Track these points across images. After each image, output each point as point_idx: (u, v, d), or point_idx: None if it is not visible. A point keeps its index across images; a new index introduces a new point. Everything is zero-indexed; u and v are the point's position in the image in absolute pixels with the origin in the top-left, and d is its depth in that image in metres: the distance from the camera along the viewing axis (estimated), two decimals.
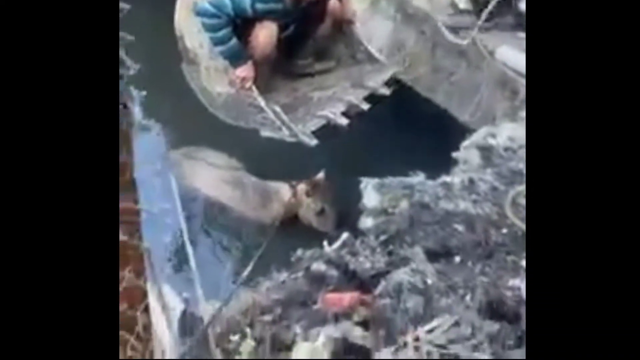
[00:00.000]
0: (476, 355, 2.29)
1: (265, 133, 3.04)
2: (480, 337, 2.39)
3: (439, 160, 4.05)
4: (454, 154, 3.96)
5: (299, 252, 2.91)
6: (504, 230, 3.16)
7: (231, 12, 2.69)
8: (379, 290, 2.64)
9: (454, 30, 4.92)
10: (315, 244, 2.98)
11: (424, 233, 3.07)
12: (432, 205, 3.26)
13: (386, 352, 2.30)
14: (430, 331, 2.39)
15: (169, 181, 2.82)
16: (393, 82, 3.18)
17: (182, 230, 2.30)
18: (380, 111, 5.19)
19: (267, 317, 2.65)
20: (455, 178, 3.47)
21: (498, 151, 3.68)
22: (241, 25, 2.69)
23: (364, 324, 2.47)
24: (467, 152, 3.79)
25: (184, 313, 2.30)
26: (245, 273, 2.52)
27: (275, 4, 2.80)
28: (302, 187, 3.88)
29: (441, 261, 2.95)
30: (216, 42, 2.79)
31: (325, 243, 2.90)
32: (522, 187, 3.38)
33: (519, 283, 2.88)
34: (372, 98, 3.07)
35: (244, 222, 3.88)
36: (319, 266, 2.74)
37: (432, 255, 2.95)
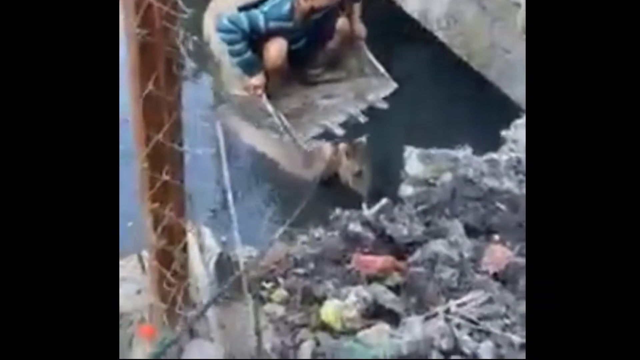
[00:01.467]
0: (507, 334, 2.17)
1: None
2: (513, 318, 2.26)
3: (487, 137, 3.87)
4: (503, 132, 3.77)
5: (337, 211, 2.81)
6: None
7: (247, 28, 2.88)
8: (413, 257, 2.53)
9: (516, 6, 4.64)
10: (354, 206, 2.87)
11: (464, 207, 2.91)
12: (476, 180, 3.09)
13: (415, 320, 2.19)
14: (462, 304, 2.27)
15: (215, 128, 2.75)
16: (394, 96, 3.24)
17: (224, 175, 2.22)
18: (433, 84, 5.02)
19: (300, 270, 2.57)
20: (503, 156, 3.29)
21: None
22: (256, 39, 2.89)
23: (396, 290, 2.38)
24: (516, 132, 3.59)
25: (220, 255, 2.25)
26: (284, 227, 2.42)
27: (287, 22, 2.95)
28: (343, 146, 3.77)
29: (480, 238, 2.81)
30: (233, 54, 2.99)
31: (364, 206, 2.79)
32: None
33: None
34: (370, 111, 3.10)
35: (287, 177, 3.80)
36: (355, 227, 2.63)
37: (471, 231, 2.81)
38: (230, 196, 2.33)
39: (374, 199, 2.96)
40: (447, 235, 2.65)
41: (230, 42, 2.99)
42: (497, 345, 2.14)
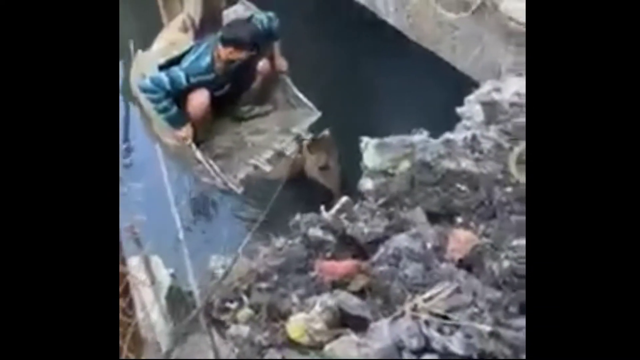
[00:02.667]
0: (476, 323, 2.03)
1: (204, 179, 3.15)
2: (481, 304, 2.13)
3: (444, 116, 3.72)
4: (459, 109, 3.62)
5: (297, 216, 2.65)
6: (508, 189, 2.85)
7: (169, 87, 2.88)
8: (377, 256, 2.38)
9: None
10: (314, 209, 2.71)
11: (424, 194, 2.77)
12: (433, 164, 2.94)
13: (383, 323, 2.05)
14: (428, 299, 2.13)
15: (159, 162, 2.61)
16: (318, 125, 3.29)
17: (171, 205, 2.06)
18: (385, 66, 4.86)
19: (264, 284, 2.41)
20: (459, 135, 3.14)
21: (503, 107, 3.32)
22: (179, 94, 2.93)
23: (361, 293, 2.23)
24: (470, 107, 3.44)
25: (170, 289, 2.08)
26: (241, 247, 2.26)
27: (207, 75, 2.93)
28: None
29: (442, 222, 2.67)
30: (159, 112, 2.99)
31: (322, 208, 2.63)
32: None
33: (523, 243, 2.60)
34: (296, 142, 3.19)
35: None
36: (315, 231, 2.47)
37: (434, 217, 2.67)
38: (179, 225, 2.16)
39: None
40: (409, 227, 2.50)
41: (154, 101, 2.98)
42: (467, 336, 2.01)
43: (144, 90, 3.04)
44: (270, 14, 3.21)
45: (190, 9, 3.02)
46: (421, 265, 2.26)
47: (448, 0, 4.49)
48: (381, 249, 2.40)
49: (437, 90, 4.29)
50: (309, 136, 3.33)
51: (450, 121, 3.58)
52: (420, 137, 3.17)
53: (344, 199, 2.69)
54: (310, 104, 3.35)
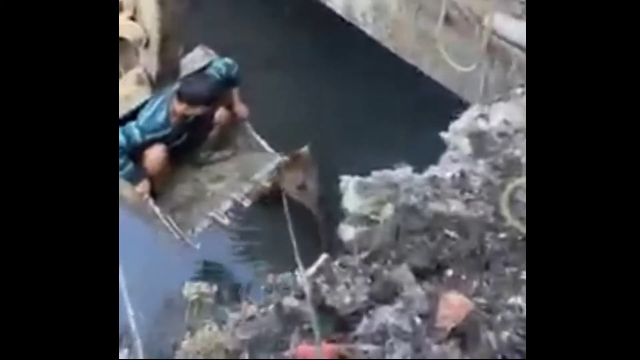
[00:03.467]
0: None
1: (162, 234, 2.96)
2: None
3: (426, 140, 3.42)
4: (444, 135, 3.31)
5: (270, 278, 2.32)
6: (502, 235, 2.55)
7: (124, 144, 2.77)
8: (361, 329, 2.07)
9: None
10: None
11: (411, 246, 2.46)
12: (420, 207, 2.63)
13: None
14: None
15: None
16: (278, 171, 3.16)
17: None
18: (364, 84, 4.55)
19: None
20: (446, 172, 2.83)
21: (491, 137, 3.01)
22: (136, 150, 2.82)
23: None
24: (456, 138, 3.13)
25: None
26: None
27: (164, 130, 2.79)
28: (283, 159, 3.31)
29: (432, 279, 2.37)
30: None
31: (297, 272, 2.29)
32: (520, 180, 2.75)
33: (520, 302, 2.32)
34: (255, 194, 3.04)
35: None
36: (291, 302, 2.15)
37: (421, 273, 2.36)
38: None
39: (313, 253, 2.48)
40: (395, 292, 2.19)
41: None
42: None
43: None
44: (229, 60, 3.05)
45: (146, 62, 2.81)
46: (409, 345, 1.95)
47: (430, 11, 4.17)
48: (365, 321, 2.09)
49: (421, 109, 4.00)
50: (264, 183, 3.13)
51: (436, 146, 3.28)
52: (403, 174, 2.85)
53: (323, 257, 2.36)
54: (271, 150, 3.18)
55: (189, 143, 3.04)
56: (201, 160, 3.20)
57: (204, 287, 2.99)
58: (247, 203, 3.03)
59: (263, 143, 3.17)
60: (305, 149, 3.53)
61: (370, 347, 1.97)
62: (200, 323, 2.39)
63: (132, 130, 2.80)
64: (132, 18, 2.77)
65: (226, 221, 2.95)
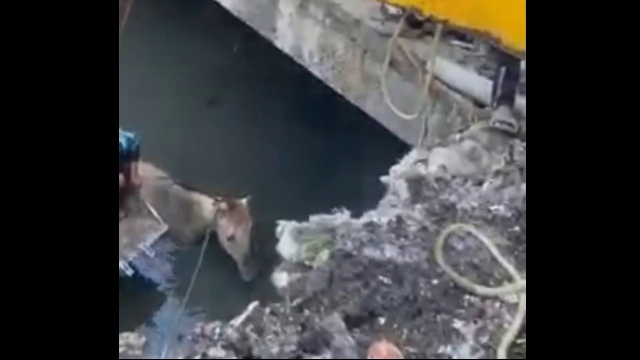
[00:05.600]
0: None
1: None
2: None
3: (367, 183, 3.51)
4: (384, 179, 3.40)
5: (198, 328, 2.29)
6: (434, 282, 2.62)
7: None
8: None
9: (386, 37, 4.29)
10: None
11: (344, 292, 2.49)
12: (355, 253, 2.68)
13: None
14: None
15: None
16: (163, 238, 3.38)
17: None
18: (312, 118, 4.63)
19: None
20: (383, 218, 2.90)
21: (428, 182, 3.12)
22: None
23: None
24: (395, 182, 3.23)
25: None
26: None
27: None
28: (222, 205, 3.35)
29: (363, 327, 2.40)
30: None
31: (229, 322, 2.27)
32: (455, 226, 2.84)
33: (450, 351, 2.38)
34: (140, 261, 3.26)
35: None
36: (217, 352, 2.13)
37: (353, 321, 2.39)
38: None
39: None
40: (325, 340, 2.21)
41: None
42: None
43: None
44: (131, 135, 3.32)
45: None
46: None
47: (375, 53, 4.33)
48: None
49: (365, 151, 4.10)
50: (148, 252, 3.44)
51: (377, 190, 3.37)
52: (341, 219, 2.90)
53: (253, 305, 2.36)
54: (159, 218, 3.42)
55: None
56: None
57: (132, 338, 2.91)
58: (129, 272, 3.13)
59: (152, 210, 3.41)
60: (243, 201, 3.58)
61: None
62: None
63: None
64: None
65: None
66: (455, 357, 2.31)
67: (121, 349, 2.85)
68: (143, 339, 2.95)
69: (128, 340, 2.89)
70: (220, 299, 3.23)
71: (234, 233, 3.41)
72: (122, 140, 3.33)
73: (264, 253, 3.35)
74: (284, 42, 4.86)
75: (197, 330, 2.27)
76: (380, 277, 2.60)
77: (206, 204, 3.57)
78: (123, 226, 3.42)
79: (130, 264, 3.22)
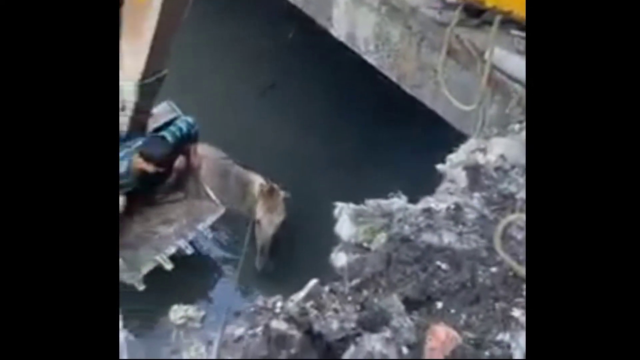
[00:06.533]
0: None
1: None
2: None
3: (422, 170, 3.49)
4: (440, 167, 3.38)
5: (260, 300, 2.35)
6: (493, 270, 2.60)
7: None
8: (346, 356, 2.10)
9: (443, 25, 4.24)
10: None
11: (402, 275, 2.50)
12: (413, 237, 2.68)
13: None
14: None
15: None
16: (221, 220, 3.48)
17: None
18: (365, 106, 4.63)
19: None
20: (440, 204, 2.88)
21: (487, 171, 3.08)
22: None
23: None
24: (453, 170, 3.20)
25: None
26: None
27: (125, 179, 3.06)
28: (265, 187, 3.41)
29: (421, 310, 2.40)
30: None
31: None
32: (514, 216, 2.81)
33: (509, 339, 2.35)
34: (198, 240, 3.37)
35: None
36: (279, 325, 2.18)
37: (411, 304, 2.40)
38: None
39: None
40: (384, 321, 2.22)
41: None
42: None
43: None
44: (190, 119, 3.39)
45: (120, 121, 3.15)
46: None
47: (432, 42, 4.28)
48: (352, 348, 2.11)
49: (420, 139, 4.07)
50: (207, 233, 3.54)
51: (432, 179, 3.35)
52: (398, 204, 2.91)
53: (313, 282, 2.40)
54: (217, 200, 3.49)
55: (147, 189, 3.41)
56: (155, 201, 3.53)
57: (191, 310, 3.03)
58: (189, 251, 3.17)
59: (210, 193, 3.49)
60: (282, 192, 3.61)
61: None
62: (186, 345, 2.41)
63: None
64: None
65: (169, 266, 3.14)
66: (513, 345, 2.29)
67: (181, 321, 2.97)
68: (202, 313, 3.07)
69: (187, 312, 3.01)
70: (270, 277, 3.30)
71: (260, 219, 3.45)
72: (182, 125, 3.45)
73: (280, 252, 3.40)
74: (339, 29, 4.86)
75: (259, 302, 2.32)
76: (438, 263, 2.60)
77: (256, 183, 3.63)
78: (182, 207, 3.57)
79: (191, 243, 3.33)
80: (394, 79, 4.55)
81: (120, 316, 2.32)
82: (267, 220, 3.46)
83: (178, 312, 3.05)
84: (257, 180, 3.64)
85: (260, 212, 3.49)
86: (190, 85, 4.40)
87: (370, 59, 4.68)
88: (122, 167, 3.14)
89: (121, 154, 3.16)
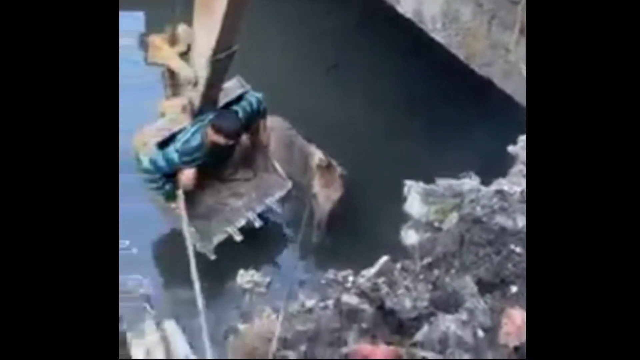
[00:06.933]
0: None
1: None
2: None
3: (494, 151, 3.38)
4: (511, 149, 3.27)
5: (331, 273, 2.35)
6: None
7: (165, 167, 3.22)
8: (420, 335, 2.07)
9: (515, 3, 4.07)
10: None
11: (475, 257, 2.44)
12: (485, 219, 2.60)
13: None
14: None
15: None
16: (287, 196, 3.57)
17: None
18: (432, 84, 4.51)
19: (291, 354, 2.13)
20: (514, 187, 2.79)
21: None
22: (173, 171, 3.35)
23: None
24: (525, 152, 3.08)
25: None
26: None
27: (197, 152, 3.23)
28: (323, 161, 3.42)
29: (495, 294, 2.34)
30: (152, 189, 3.39)
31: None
32: None
33: None
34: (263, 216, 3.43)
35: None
36: (350, 299, 2.17)
37: (485, 286, 2.34)
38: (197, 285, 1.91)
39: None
40: (457, 302, 2.18)
41: (150, 181, 3.35)
42: None
43: (144, 170, 3.32)
44: (259, 95, 3.45)
45: (192, 96, 3.24)
46: (470, 356, 1.94)
47: (503, 20, 4.12)
48: (425, 327, 2.09)
49: (490, 120, 3.93)
50: (275, 207, 3.52)
51: (504, 160, 3.24)
52: (470, 184, 2.83)
53: (383, 259, 2.37)
54: (284, 175, 3.57)
55: (217, 163, 3.48)
56: (225, 177, 3.59)
57: (257, 276, 3.11)
58: (257, 223, 3.34)
59: (279, 168, 3.56)
60: (339, 168, 3.59)
61: (430, 354, 1.97)
62: (256, 310, 2.47)
63: (172, 154, 3.22)
64: (185, 53, 3.18)
65: (239, 238, 3.20)
66: None
67: (248, 285, 3.07)
68: (267, 279, 3.14)
69: (254, 277, 3.11)
70: (336, 251, 3.32)
71: (317, 193, 3.45)
72: (253, 100, 3.48)
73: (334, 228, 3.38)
74: (405, 7, 4.74)
75: (330, 275, 2.32)
76: (512, 246, 2.52)
77: (317, 157, 3.64)
78: (252, 182, 3.61)
79: (259, 216, 3.39)
80: (462, 58, 4.41)
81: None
82: (324, 195, 3.47)
83: (245, 277, 3.15)
84: (317, 154, 3.64)
85: (317, 187, 3.49)
86: (257, 61, 4.41)
87: (438, 37, 4.54)
88: (195, 140, 3.21)
89: (194, 128, 3.23)
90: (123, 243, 2.61)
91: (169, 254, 3.44)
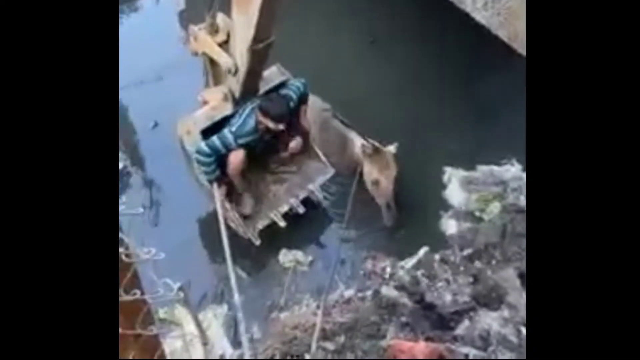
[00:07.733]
0: None
1: (231, 224, 3.37)
2: None
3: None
4: None
5: (369, 264, 2.30)
6: None
7: (222, 150, 3.24)
8: (461, 330, 2.00)
9: None
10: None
11: (518, 249, 2.34)
12: None
13: None
14: None
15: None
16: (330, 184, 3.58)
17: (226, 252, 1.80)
18: (472, 65, 4.34)
19: (330, 345, 2.10)
20: None
21: None
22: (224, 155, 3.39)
23: None
24: None
25: None
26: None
27: (253, 135, 3.26)
28: (368, 148, 3.33)
29: None
30: (204, 172, 3.41)
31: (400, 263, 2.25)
32: None
33: None
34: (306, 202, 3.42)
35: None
36: (389, 291, 2.12)
37: None
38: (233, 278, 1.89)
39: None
40: (499, 297, 2.10)
41: (205, 164, 3.36)
42: None
43: (200, 153, 3.33)
44: (303, 80, 3.44)
45: (232, 84, 3.25)
46: (514, 356, 1.86)
47: None
48: (466, 322, 2.02)
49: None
50: (317, 192, 3.49)
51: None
52: (512, 172, 2.72)
53: (423, 250, 2.30)
54: (325, 161, 3.54)
55: (266, 149, 3.47)
56: (269, 170, 3.59)
57: (299, 255, 3.13)
58: (301, 210, 3.31)
59: (320, 154, 3.56)
60: (391, 148, 3.49)
61: (471, 351, 1.90)
62: (297, 297, 2.45)
63: (227, 136, 3.22)
64: (225, 42, 3.17)
65: (283, 223, 3.22)
66: None
67: (291, 264, 3.08)
68: (310, 258, 3.13)
69: (296, 256, 3.11)
70: (371, 231, 3.29)
71: (377, 178, 3.36)
72: (298, 84, 3.45)
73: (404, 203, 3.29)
74: None
75: (368, 266, 2.27)
76: None
77: (357, 142, 3.56)
78: (293, 167, 3.61)
79: (302, 202, 3.38)
80: (504, 39, 4.22)
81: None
82: (384, 177, 3.40)
83: (287, 256, 3.16)
84: (357, 140, 3.55)
85: (374, 173, 3.41)
86: (295, 40, 4.34)
87: (479, 17, 4.35)
88: (249, 124, 3.22)
89: (245, 112, 3.24)
90: None
91: (210, 236, 3.46)
